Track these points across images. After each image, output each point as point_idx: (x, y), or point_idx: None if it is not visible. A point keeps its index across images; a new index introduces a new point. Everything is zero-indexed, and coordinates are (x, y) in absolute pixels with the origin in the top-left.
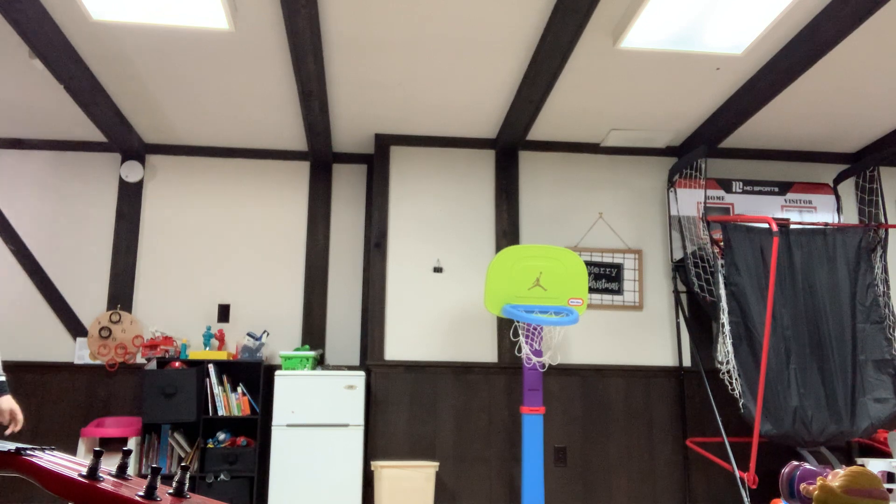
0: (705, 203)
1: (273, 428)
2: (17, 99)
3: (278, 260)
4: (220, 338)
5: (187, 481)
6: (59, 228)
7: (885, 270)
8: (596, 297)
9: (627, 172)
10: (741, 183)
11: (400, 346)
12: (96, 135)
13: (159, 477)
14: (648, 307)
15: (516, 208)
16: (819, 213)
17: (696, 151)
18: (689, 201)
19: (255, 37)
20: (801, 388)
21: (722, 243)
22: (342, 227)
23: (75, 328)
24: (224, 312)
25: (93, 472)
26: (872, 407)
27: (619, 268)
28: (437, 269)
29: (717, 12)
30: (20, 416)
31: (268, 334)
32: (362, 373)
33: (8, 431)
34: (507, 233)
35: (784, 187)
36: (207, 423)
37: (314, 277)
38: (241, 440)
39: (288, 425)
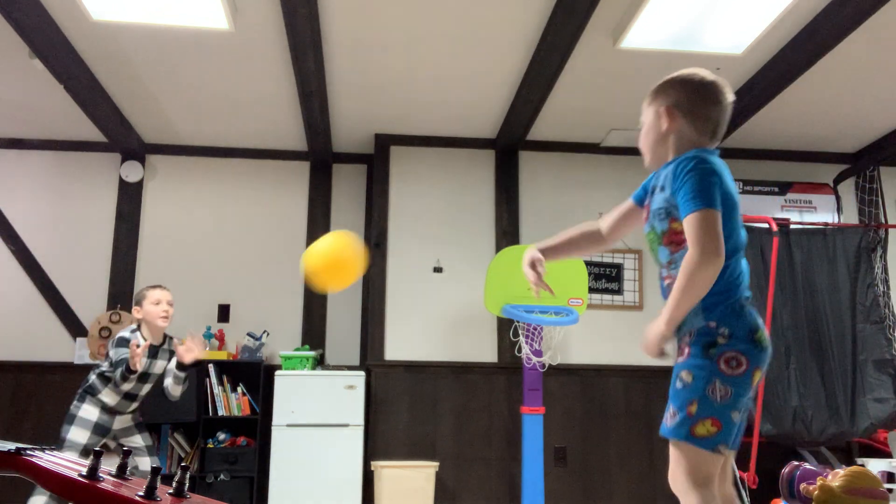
0: None
1: (273, 428)
2: (17, 99)
3: (278, 260)
4: (220, 338)
5: (187, 481)
6: (59, 228)
7: (885, 270)
8: (596, 297)
9: (627, 172)
10: (741, 183)
11: (400, 346)
12: (96, 135)
13: (159, 477)
14: (648, 307)
15: (516, 208)
16: (819, 213)
17: None
18: None
19: (255, 37)
20: (801, 388)
21: None
22: (342, 227)
23: (75, 328)
24: (224, 312)
25: (93, 472)
26: (872, 407)
27: (619, 268)
28: (437, 269)
29: (717, 12)
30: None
31: (268, 334)
32: (362, 373)
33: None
34: (507, 233)
35: (784, 187)
36: (207, 423)
37: None
38: (241, 440)
39: (288, 425)
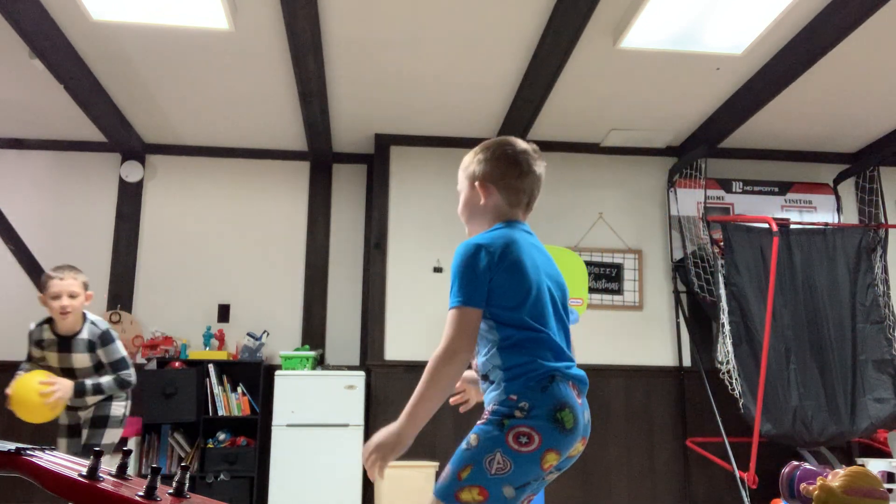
0: (705, 203)
1: (273, 428)
2: (17, 99)
3: (278, 260)
4: (220, 338)
5: (187, 481)
6: (59, 228)
7: (885, 270)
8: (596, 297)
9: (627, 172)
10: (741, 183)
11: (400, 346)
12: (96, 135)
13: (159, 477)
14: (648, 307)
15: None
16: (819, 213)
17: (697, 151)
18: (689, 201)
19: (255, 37)
20: (801, 388)
21: (722, 243)
22: (342, 227)
23: None
24: (224, 312)
25: (93, 472)
26: (872, 407)
27: (619, 268)
28: (437, 269)
29: (717, 12)
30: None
31: (268, 334)
32: (362, 373)
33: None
34: None
35: (784, 187)
36: (207, 423)
37: (314, 277)
38: (241, 440)
39: (288, 425)
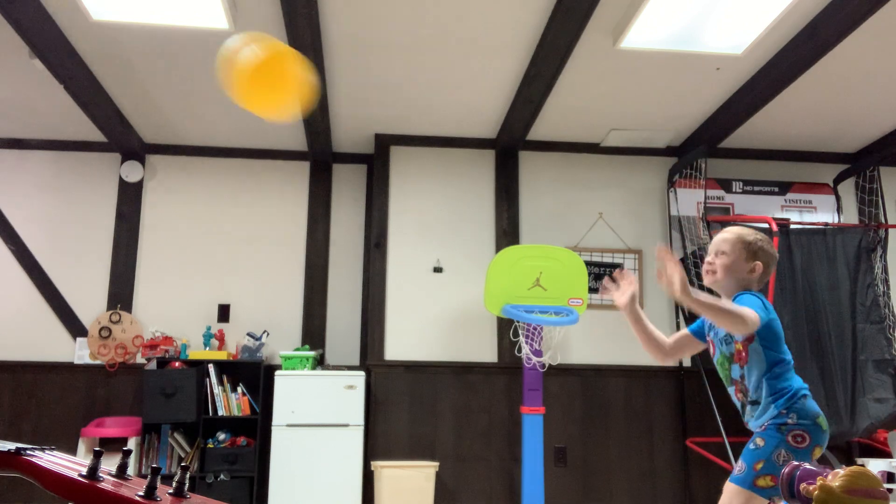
0: (705, 203)
1: (273, 428)
2: (17, 99)
3: (278, 260)
4: (220, 338)
5: (187, 481)
6: (59, 228)
7: (885, 270)
8: (596, 297)
9: (627, 172)
10: (741, 183)
11: (400, 346)
12: (96, 135)
13: (159, 477)
14: (648, 307)
15: (516, 208)
16: (819, 213)
17: (697, 151)
18: (689, 201)
19: None
20: None
21: None
22: (342, 227)
23: (75, 328)
24: (224, 312)
25: (93, 472)
26: (872, 407)
27: (619, 268)
28: (437, 269)
29: (717, 12)
30: None
31: (268, 334)
32: (362, 373)
33: None
34: (507, 233)
35: (784, 187)
36: (207, 423)
37: (314, 277)
38: (241, 440)
39: (288, 425)
